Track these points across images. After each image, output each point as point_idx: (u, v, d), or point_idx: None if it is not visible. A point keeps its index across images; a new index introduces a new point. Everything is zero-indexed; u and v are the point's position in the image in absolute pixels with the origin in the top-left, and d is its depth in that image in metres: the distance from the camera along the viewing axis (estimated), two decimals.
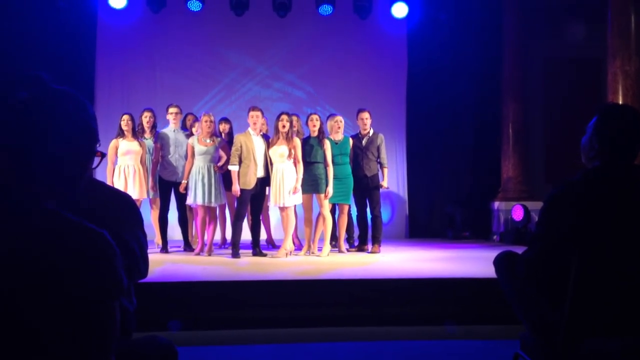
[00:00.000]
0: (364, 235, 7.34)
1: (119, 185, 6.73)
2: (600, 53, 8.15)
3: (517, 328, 2.80)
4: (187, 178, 6.79)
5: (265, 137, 6.84)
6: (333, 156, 6.79)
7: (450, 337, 4.37)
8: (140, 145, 7.03)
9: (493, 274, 2.62)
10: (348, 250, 7.23)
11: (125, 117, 7.02)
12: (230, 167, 6.59)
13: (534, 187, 9.15)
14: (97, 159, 1.35)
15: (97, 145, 1.34)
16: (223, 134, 7.28)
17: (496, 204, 9.17)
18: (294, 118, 7.01)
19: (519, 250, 2.41)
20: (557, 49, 9.65)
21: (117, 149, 6.95)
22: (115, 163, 6.98)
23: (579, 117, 5.71)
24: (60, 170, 1.24)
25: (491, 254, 2.86)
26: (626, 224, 2.09)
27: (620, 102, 6.75)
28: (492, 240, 9.07)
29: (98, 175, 7.06)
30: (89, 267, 1.15)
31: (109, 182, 6.67)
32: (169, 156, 7.06)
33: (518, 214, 8.50)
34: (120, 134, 6.99)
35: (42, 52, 8.52)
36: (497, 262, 2.58)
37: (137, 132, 7.12)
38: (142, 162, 7.02)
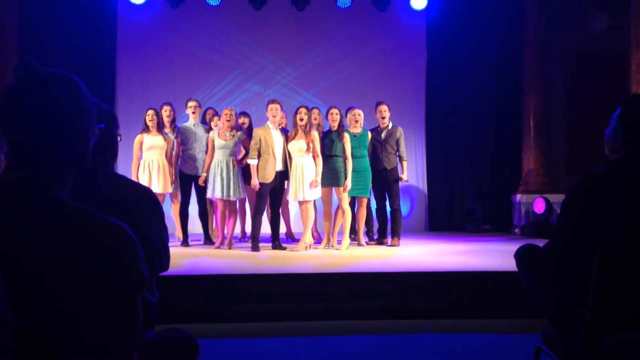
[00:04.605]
0: (384, 229, 7.32)
1: (143, 179, 6.80)
2: (623, 44, 8.01)
3: (538, 322, 2.78)
4: (207, 171, 6.84)
5: (284, 130, 6.84)
6: (352, 149, 6.77)
7: (471, 330, 4.35)
8: (165, 139, 7.07)
9: (514, 267, 2.60)
10: (367, 244, 7.22)
11: (150, 112, 7.07)
12: (249, 161, 6.62)
13: (556, 179, 9.05)
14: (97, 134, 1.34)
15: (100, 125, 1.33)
16: (242, 128, 7.30)
17: (517, 197, 9.09)
18: (315, 111, 6.98)
19: (541, 243, 2.39)
20: (578, 40, 9.49)
21: (141, 144, 7.00)
22: (140, 158, 7.04)
23: (600, 109, 5.64)
24: (64, 151, 1.25)
25: (512, 247, 2.84)
26: None
27: None
28: (513, 234, 9.00)
29: (122, 170, 7.14)
30: (111, 261, 1.17)
31: (133, 177, 6.76)
32: (190, 150, 7.10)
33: (539, 206, 8.42)
34: (145, 129, 7.05)
35: (65, 48, 8.62)
36: (519, 255, 2.56)
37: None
38: (167, 156, 7.07)
